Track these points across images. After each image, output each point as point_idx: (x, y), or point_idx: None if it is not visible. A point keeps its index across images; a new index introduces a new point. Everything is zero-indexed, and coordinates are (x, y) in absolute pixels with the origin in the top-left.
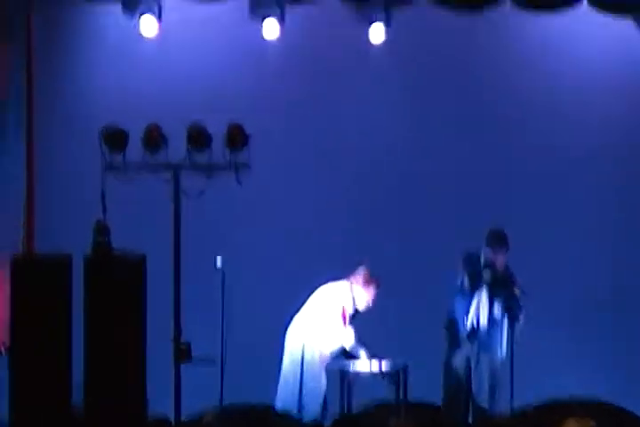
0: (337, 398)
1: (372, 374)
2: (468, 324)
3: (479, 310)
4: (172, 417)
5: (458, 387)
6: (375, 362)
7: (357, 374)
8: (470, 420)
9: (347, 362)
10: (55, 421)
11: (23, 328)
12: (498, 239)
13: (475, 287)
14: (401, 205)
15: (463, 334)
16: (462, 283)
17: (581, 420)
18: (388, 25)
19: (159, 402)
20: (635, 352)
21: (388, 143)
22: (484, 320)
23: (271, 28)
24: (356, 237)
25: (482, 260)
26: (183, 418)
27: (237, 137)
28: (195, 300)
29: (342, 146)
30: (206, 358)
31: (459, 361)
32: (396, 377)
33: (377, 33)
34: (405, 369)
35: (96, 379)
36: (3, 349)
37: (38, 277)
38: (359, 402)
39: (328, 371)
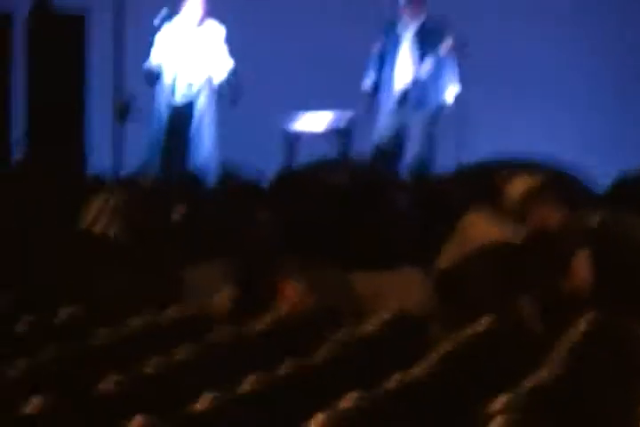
0: (280, 155)
1: (316, 132)
2: (395, 86)
3: (401, 68)
4: (110, 174)
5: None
6: (319, 118)
7: (301, 132)
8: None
9: (290, 120)
10: None
11: None
12: None
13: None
14: None
15: (388, 97)
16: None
17: (530, 177)
18: None
19: (100, 159)
20: (593, 114)
21: None
22: (409, 78)
23: None
24: None
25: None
26: (123, 174)
27: None
28: (139, 58)
29: None
30: (146, 116)
31: (388, 124)
32: (340, 134)
33: None
34: (349, 130)
35: (36, 135)
36: None
37: None
38: (302, 160)
39: (271, 129)
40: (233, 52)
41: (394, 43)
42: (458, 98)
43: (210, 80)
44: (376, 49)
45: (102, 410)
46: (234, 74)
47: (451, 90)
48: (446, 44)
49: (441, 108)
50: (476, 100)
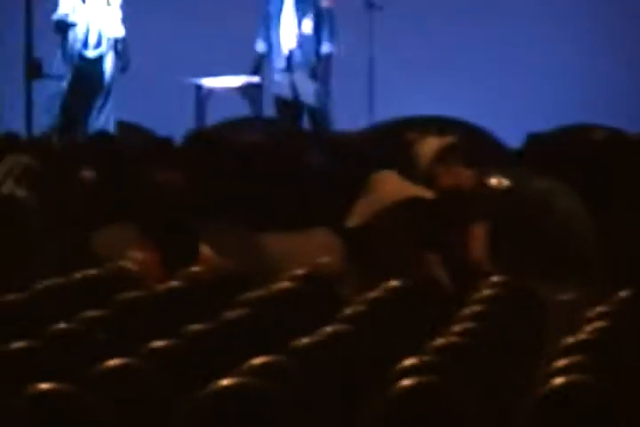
0: (192, 115)
1: (227, 90)
2: (282, 45)
3: (286, 27)
4: (23, 133)
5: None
6: (231, 77)
7: (212, 90)
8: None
9: (201, 78)
10: None
11: None
12: None
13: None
14: None
15: (278, 56)
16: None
17: (442, 136)
18: None
19: (12, 120)
20: (503, 77)
21: None
22: (293, 36)
23: None
24: None
25: None
26: (34, 134)
27: None
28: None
29: None
30: (57, 75)
31: (282, 83)
32: (251, 92)
33: None
34: (260, 85)
35: None
36: None
37: None
38: (214, 119)
39: (182, 86)
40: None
41: (278, 2)
42: (373, 59)
43: (115, 39)
44: (264, 10)
45: (7, 373)
46: (123, 42)
47: (326, 44)
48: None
49: (320, 61)
50: (391, 61)
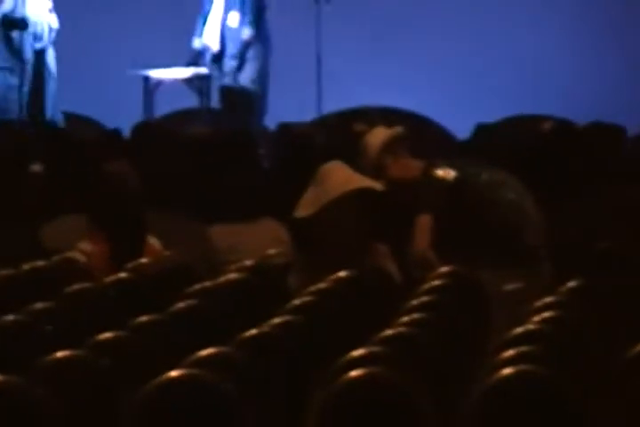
0: (139, 106)
1: (176, 82)
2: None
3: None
4: None
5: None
6: (178, 69)
7: (160, 82)
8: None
9: (148, 69)
10: None
11: None
12: None
13: None
14: None
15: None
16: None
17: (390, 127)
18: None
19: None
20: (451, 64)
21: None
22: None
23: None
24: None
25: None
26: None
27: None
28: None
29: None
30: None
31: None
32: (199, 84)
33: None
34: (208, 77)
35: None
36: None
37: None
38: (163, 110)
39: (130, 77)
40: None
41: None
42: (321, 51)
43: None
44: (202, 7)
45: None
46: (56, 34)
47: (246, 30)
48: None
49: (243, 48)
50: (339, 54)
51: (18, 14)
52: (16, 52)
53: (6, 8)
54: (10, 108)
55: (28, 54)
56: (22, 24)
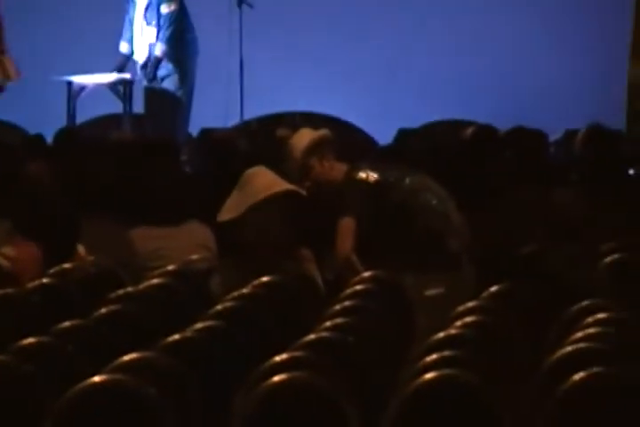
0: (63, 111)
1: (99, 87)
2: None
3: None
4: None
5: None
6: (102, 74)
7: (83, 87)
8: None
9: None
10: None
11: None
12: None
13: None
14: None
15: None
16: None
17: (314, 131)
18: None
19: None
20: (373, 71)
21: None
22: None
23: None
24: None
25: None
26: None
27: None
28: None
29: None
30: None
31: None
32: (123, 89)
33: None
34: (132, 82)
35: None
36: None
37: None
38: (86, 116)
39: (53, 83)
40: None
41: (133, 11)
42: (244, 57)
43: None
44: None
45: None
46: None
47: (159, 46)
48: (167, 7)
49: (155, 62)
50: (262, 59)
51: None
52: None
53: None
54: None
55: None
56: None
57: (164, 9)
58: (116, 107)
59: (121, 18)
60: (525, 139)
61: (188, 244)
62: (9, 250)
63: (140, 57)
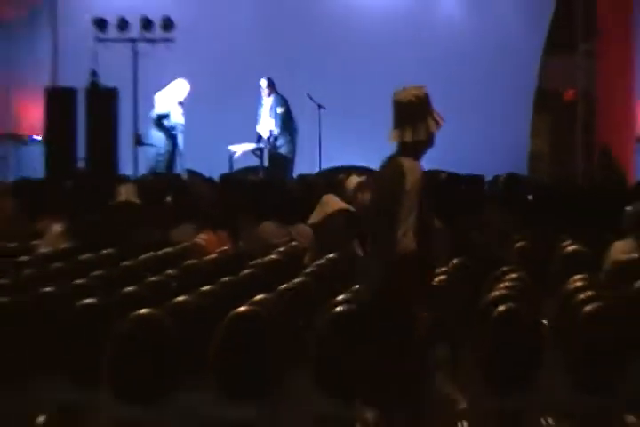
0: (225, 164)
1: (245, 151)
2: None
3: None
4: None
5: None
6: (246, 144)
7: (235, 151)
8: None
9: (230, 145)
10: None
11: None
12: None
13: None
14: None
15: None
16: None
17: (359, 176)
18: None
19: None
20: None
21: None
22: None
23: None
24: None
25: None
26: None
27: None
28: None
29: None
30: (148, 143)
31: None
32: (258, 153)
33: None
34: (262, 149)
35: (92, 156)
36: None
37: None
38: (238, 166)
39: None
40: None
41: (261, 107)
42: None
43: None
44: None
45: None
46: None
47: (276, 129)
48: (280, 108)
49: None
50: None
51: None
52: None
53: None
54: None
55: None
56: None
57: (279, 109)
58: (255, 162)
59: (255, 113)
60: (469, 180)
61: (300, 236)
62: (204, 235)
63: (266, 134)
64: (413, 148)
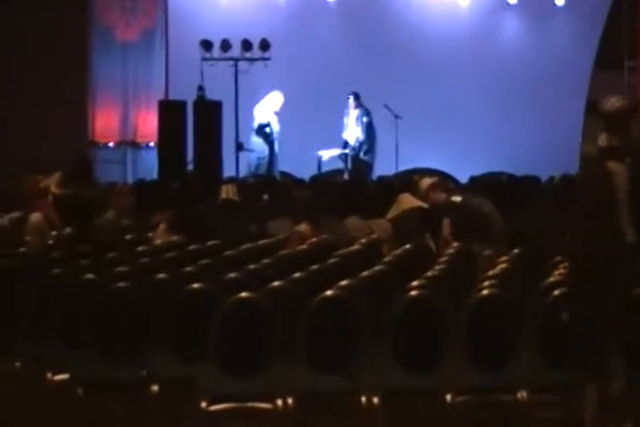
0: (314, 166)
1: (332, 156)
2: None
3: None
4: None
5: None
6: (334, 150)
7: (322, 156)
8: None
9: (319, 150)
10: None
11: None
12: None
13: None
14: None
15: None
16: None
17: (431, 178)
18: None
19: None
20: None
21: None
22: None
23: None
24: None
25: None
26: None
27: None
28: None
29: None
30: (248, 148)
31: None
32: (344, 158)
33: None
34: (347, 154)
35: (200, 160)
36: None
37: None
38: (325, 168)
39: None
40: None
41: (347, 117)
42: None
43: None
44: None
45: None
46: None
47: (362, 136)
48: (366, 117)
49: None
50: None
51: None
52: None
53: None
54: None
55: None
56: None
57: (364, 119)
58: (340, 165)
59: (340, 122)
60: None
61: (379, 229)
62: (301, 227)
63: (352, 141)
64: (618, 151)
